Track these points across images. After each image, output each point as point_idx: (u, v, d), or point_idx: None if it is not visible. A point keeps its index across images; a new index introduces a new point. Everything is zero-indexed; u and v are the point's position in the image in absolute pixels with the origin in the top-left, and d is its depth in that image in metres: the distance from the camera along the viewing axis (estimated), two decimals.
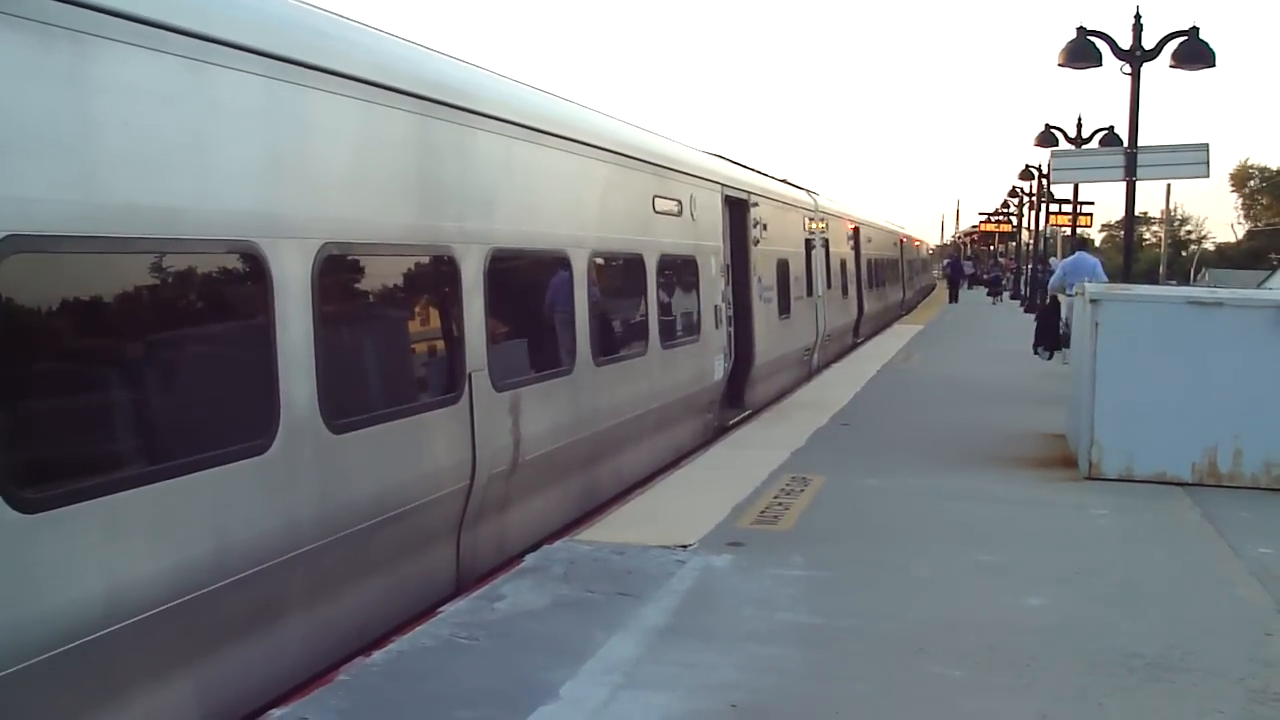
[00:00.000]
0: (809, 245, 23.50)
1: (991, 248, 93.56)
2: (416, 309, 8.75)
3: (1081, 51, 18.92)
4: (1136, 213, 19.49)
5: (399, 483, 7.75)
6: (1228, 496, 11.36)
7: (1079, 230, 40.12)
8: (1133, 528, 10.25)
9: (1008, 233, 77.12)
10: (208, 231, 6.07)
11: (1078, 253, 23.43)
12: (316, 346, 6.82)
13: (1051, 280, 24.13)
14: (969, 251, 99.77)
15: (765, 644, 7.14)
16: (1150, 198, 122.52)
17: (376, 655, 6.87)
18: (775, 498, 11.08)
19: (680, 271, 14.42)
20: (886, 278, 41.22)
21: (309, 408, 6.78)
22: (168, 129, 5.85)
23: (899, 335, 33.42)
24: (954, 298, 58.47)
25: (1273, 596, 8.26)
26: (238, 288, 6.51)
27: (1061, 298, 20.24)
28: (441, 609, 7.78)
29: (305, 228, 6.85)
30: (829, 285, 25.95)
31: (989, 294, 62.51)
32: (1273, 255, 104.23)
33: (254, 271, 6.42)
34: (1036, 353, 21.72)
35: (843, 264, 28.87)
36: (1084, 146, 31.80)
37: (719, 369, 15.80)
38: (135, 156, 5.63)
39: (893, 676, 6.70)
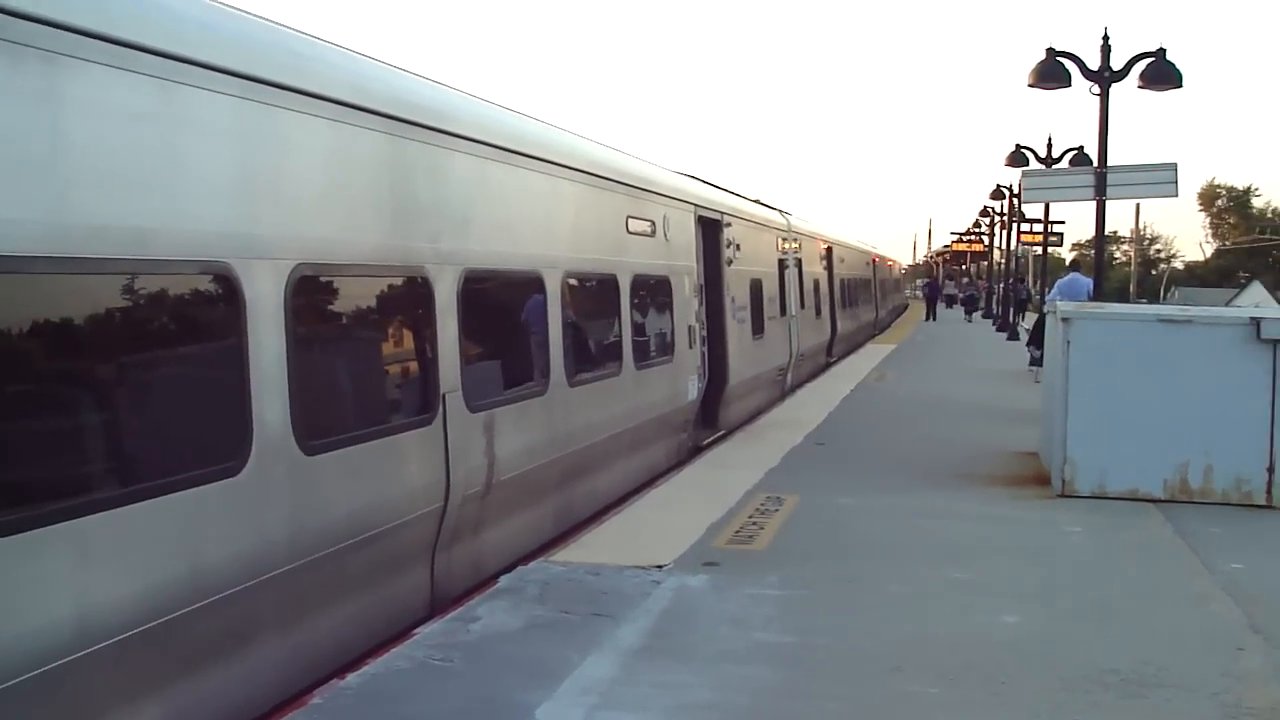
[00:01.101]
0: (782, 265, 23.55)
1: (964, 267, 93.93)
2: (390, 330, 8.73)
3: (1051, 72, 19.03)
4: (1107, 232, 19.58)
5: (372, 504, 7.72)
6: (1199, 513, 11.42)
7: (1051, 250, 40.44)
8: (1106, 544, 10.29)
9: (979, 252, 77.42)
10: (179, 252, 6.04)
11: (1072, 273, 23.76)
12: (289, 367, 6.79)
13: (1049, 297, 24.68)
14: (943, 271, 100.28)
15: (741, 664, 7.14)
16: (1120, 217, 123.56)
17: (351, 678, 6.82)
18: (750, 517, 11.08)
19: (654, 291, 14.43)
20: (859, 297, 41.35)
21: (282, 429, 6.75)
22: (139, 149, 5.83)
23: (872, 355, 33.52)
24: (931, 316, 60.50)
25: (1244, 612, 8.30)
26: (210, 309, 6.48)
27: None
28: (416, 631, 7.74)
29: (278, 248, 6.83)
30: (802, 305, 26.00)
31: (965, 312, 64.86)
32: (1241, 273, 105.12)
33: (226, 292, 6.40)
34: (1028, 347, 22.38)
35: (816, 284, 28.94)
36: (1054, 166, 32.00)
37: (693, 389, 15.81)
38: (106, 177, 5.61)
39: (868, 695, 6.71)
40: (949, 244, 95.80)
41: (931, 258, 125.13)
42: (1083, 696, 6.65)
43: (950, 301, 69.97)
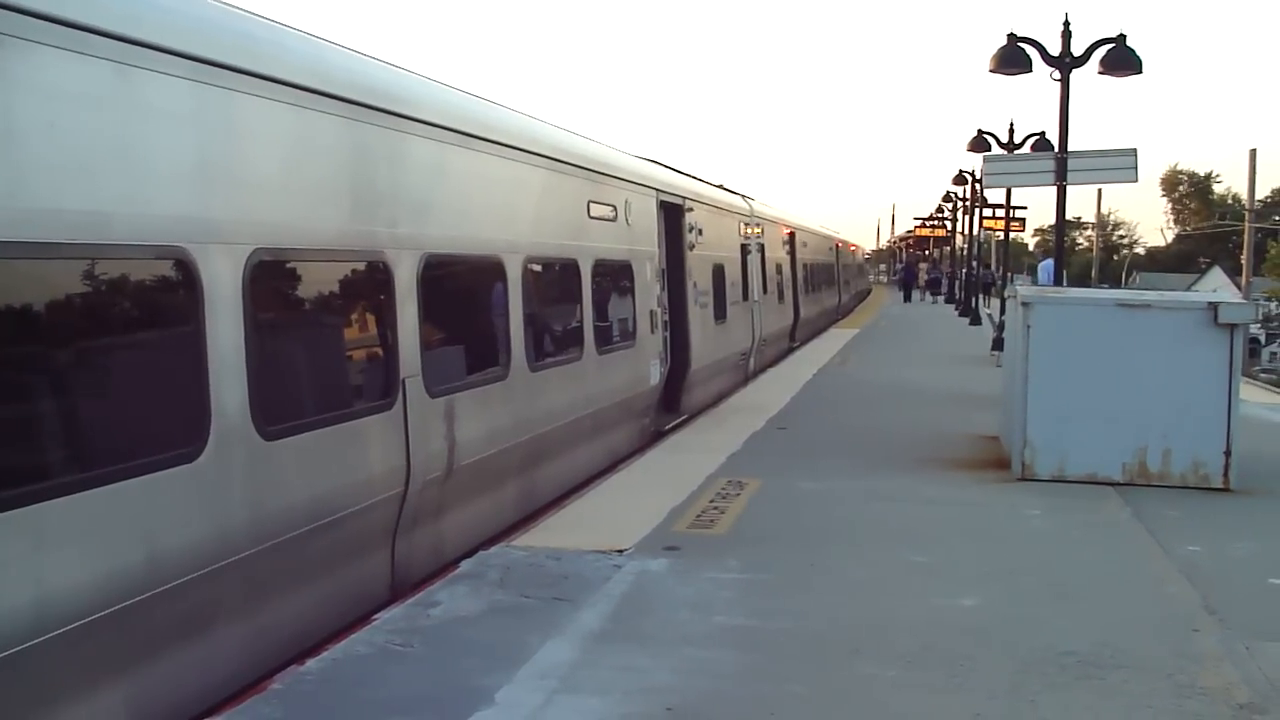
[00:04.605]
0: (745, 250, 23.58)
1: (927, 252, 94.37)
2: (349, 314, 8.68)
3: (1012, 58, 19.06)
4: (1070, 218, 19.71)
5: (332, 489, 7.69)
6: (1157, 496, 11.51)
7: (1014, 235, 40.70)
8: (1065, 527, 10.36)
9: (942, 237, 77.78)
10: (136, 237, 6.00)
11: (1048, 260, 24.34)
12: (248, 353, 6.76)
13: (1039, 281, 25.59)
14: (903, 256, 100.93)
15: (701, 647, 7.16)
16: (1083, 202, 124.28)
17: (311, 663, 6.81)
18: (711, 502, 11.10)
19: (615, 276, 14.43)
20: (822, 282, 41.44)
21: (240, 414, 6.71)
22: (94, 133, 5.78)
23: (834, 339, 33.62)
24: (907, 298, 66.53)
25: (1200, 593, 8.38)
26: (167, 293, 6.44)
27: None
28: (376, 616, 7.73)
29: (236, 233, 6.78)
30: (765, 290, 26.05)
31: (931, 294, 69.63)
32: (1202, 259, 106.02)
33: (184, 277, 6.35)
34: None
35: (778, 269, 28.99)
36: (1016, 152, 32.09)
37: (655, 374, 15.81)
38: (61, 161, 5.56)
39: (828, 677, 6.74)
40: (912, 229, 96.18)
41: (895, 243, 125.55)
42: (1040, 677, 6.70)
43: (927, 288, 73.13)
